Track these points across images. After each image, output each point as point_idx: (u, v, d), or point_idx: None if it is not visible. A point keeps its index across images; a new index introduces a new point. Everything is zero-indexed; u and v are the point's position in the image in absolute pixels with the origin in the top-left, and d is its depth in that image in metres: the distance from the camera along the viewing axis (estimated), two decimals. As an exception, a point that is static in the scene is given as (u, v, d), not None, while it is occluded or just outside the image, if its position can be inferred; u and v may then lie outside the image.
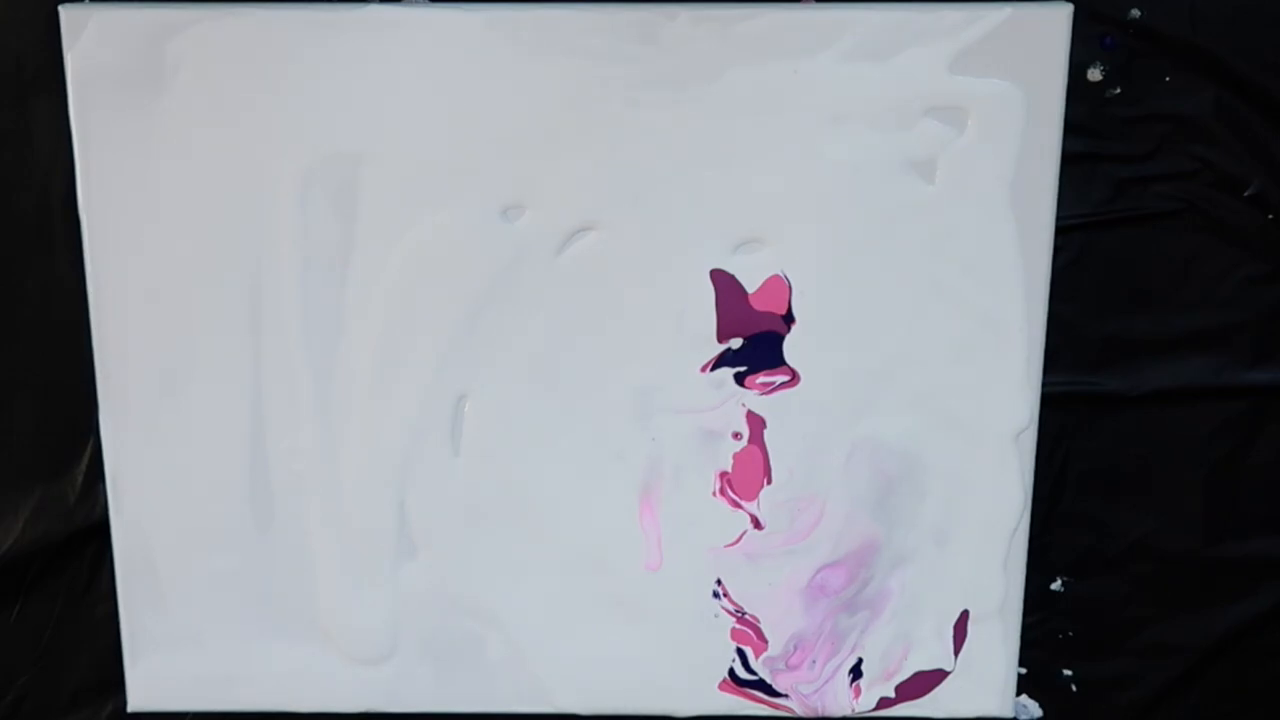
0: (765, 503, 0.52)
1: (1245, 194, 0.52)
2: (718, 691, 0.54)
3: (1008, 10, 0.47)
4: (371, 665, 0.54)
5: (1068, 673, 0.57)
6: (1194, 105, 0.52)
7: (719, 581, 0.53)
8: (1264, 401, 0.54)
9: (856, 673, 0.54)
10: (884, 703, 0.54)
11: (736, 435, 0.52)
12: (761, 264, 0.50)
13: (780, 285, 0.50)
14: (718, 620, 0.53)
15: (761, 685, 0.54)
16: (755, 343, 0.51)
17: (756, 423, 0.52)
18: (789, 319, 0.51)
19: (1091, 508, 0.56)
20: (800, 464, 0.52)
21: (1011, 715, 0.55)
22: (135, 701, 0.54)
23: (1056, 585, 0.56)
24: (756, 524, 0.53)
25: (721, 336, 0.51)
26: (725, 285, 0.50)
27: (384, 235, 0.49)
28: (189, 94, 0.48)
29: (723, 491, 0.52)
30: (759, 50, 0.48)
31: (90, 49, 0.48)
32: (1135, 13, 0.51)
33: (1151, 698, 0.58)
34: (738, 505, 0.52)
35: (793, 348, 0.51)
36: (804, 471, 0.52)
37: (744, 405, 0.51)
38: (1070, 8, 0.48)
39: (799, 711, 0.54)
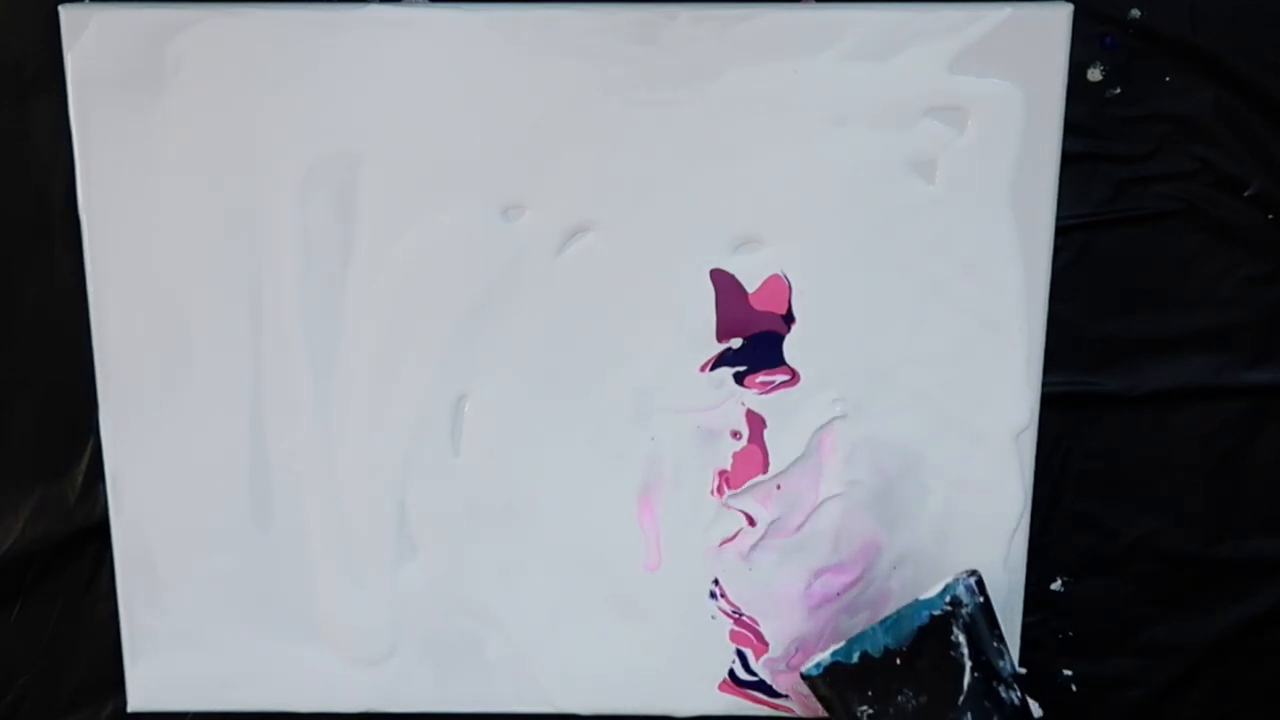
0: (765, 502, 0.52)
1: (1245, 194, 0.52)
2: (717, 692, 0.54)
3: (1008, 10, 0.47)
4: (371, 665, 0.54)
5: (1068, 673, 0.57)
6: (1194, 105, 0.52)
7: (716, 581, 0.53)
8: (1264, 401, 0.54)
9: (856, 673, 0.54)
10: (884, 703, 0.54)
11: (736, 434, 0.52)
12: (761, 264, 0.50)
13: (780, 285, 0.50)
14: (715, 621, 0.53)
15: (761, 686, 0.54)
16: (755, 342, 0.51)
17: (756, 422, 0.52)
18: (789, 319, 0.51)
19: (1091, 508, 0.56)
20: (800, 464, 0.52)
21: (1011, 715, 0.55)
22: (135, 701, 0.54)
23: (1056, 585, 0.56)
24: (754, 523, 0.53)
25: (721, 336, 0.51)
26: (725, 285, 0.50)
27: (384, 235, 0.49)
28: (189, 94, 0.48)
29: (721, 490, 0.52)
30: (759, 50, 0.48)
31: (90, 49, 0.48)
32: (1135, 13, 0.51)
33: (1151, 698, 0.58)
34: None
35: (793, 347, 0.51)
36: (804, 471, 0.52)
37: (744, 404, 0.51)
38: (1070, 8, 0.48)
39: (799, 711, 0.54)
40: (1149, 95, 0.51)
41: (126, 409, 0.51)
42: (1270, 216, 0.53)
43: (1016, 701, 0.47)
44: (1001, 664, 0.48)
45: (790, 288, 0.50)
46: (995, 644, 0.48)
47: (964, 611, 0.48)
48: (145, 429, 0.51)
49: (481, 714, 0.55)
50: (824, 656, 0.48)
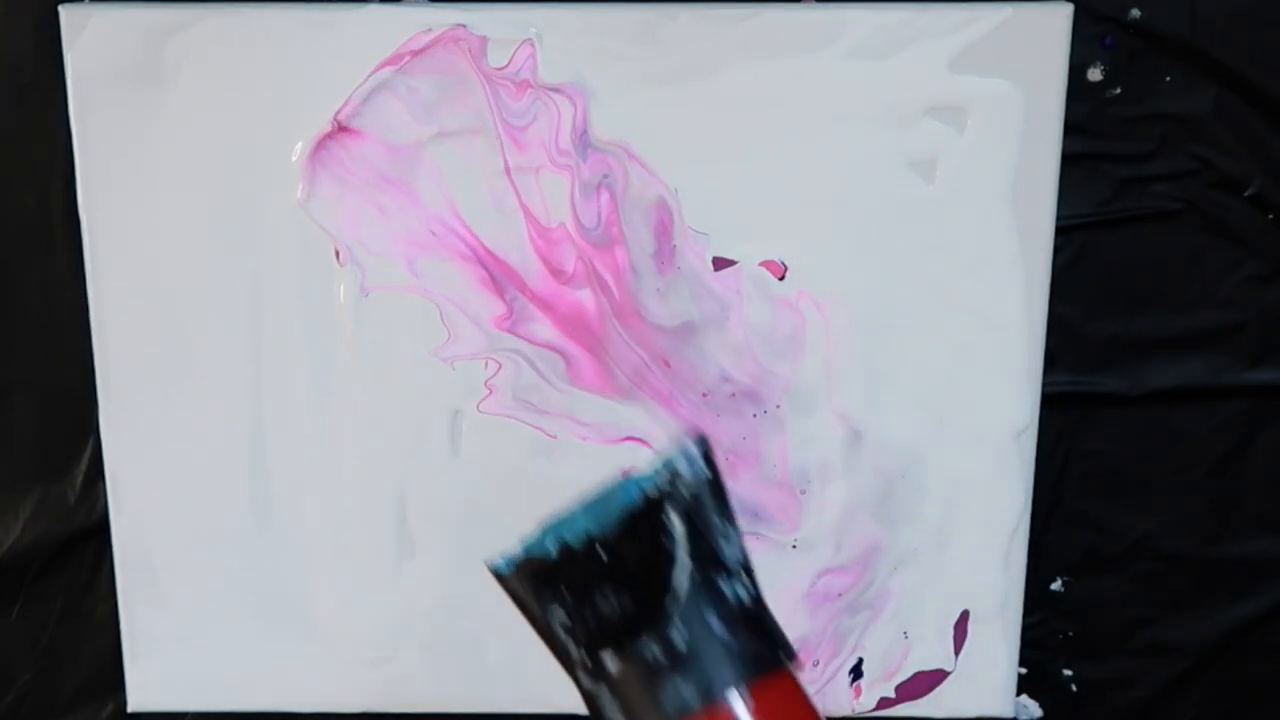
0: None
1: (1245, 194, 0.52)
2: (718, 691, 0.54)
3: (1008, 10, 0.47)
4: (371, 665, 0.54)
5: (1068, 673, 0.57)
6: (1194, 105, 0.52)
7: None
8: (1264, 401, 0.54)
9: (857, 673, 0.54)
10: (884, 703, 0.54)
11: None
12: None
13: (780, 285, 0.50)
14: (718, 620, 0.53)
15: (761, 685, 0.54)
16: (755, 343, 0.51)
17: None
18: (789, 319, 0.51)
19: (1091, 508, 0.56)
20: (800, 464, 0.52)
21: (1011, 715, 0.55)
22: (135, 701, 0.54)
23: (1056, 585, 0.56)
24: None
25: (721, 336, 0.51)
26: (725, 285, 0.50)
27: (384, 235, 0.49)
28: (189, 94, 0.48)
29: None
30: (759, 50, 0.48)
31: (90, 49, 0.48)
32: (1135, 13, 0.51)
33: (1151, 698, 0.58)
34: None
35: (793, 348, 0.51)
36: (803, 471, 0.52)
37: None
38: (1070, 8, 0.48)
39: (799, 711, 0.54)
40: (1149, 95, 0.51)
41: (126, 409, 0.51)
42: (1270, 216, 0.53)
43: (744, 598, 0.36)
44: (729, 552, 0.37)
45: (790, 288, 0.50)
46: (723, 525, 0.37)
47: (683, 488, 0.36)
48: (145, 429, 0.51)
49: (481, 714, 0.55)
50: (515, 549, 0.38)
